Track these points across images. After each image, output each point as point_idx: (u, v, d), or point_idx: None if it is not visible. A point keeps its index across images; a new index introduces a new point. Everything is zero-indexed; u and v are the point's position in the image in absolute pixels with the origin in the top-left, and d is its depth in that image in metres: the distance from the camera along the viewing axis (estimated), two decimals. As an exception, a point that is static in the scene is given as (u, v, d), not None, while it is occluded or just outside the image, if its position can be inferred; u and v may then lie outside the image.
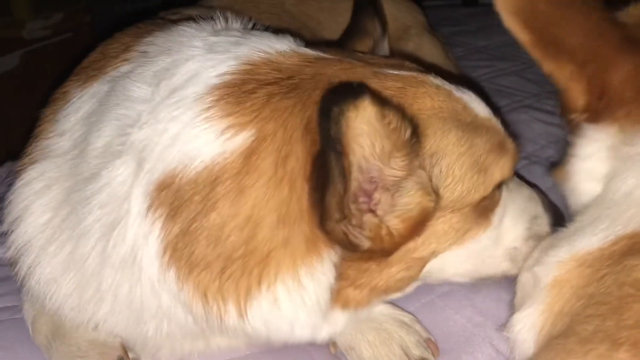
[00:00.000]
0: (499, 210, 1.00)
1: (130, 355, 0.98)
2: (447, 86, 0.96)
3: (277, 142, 0.83)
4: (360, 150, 0.76)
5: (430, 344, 1.03)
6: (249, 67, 0.89)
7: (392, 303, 1.07)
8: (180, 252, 0.85)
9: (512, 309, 0.98)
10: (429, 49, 1.81)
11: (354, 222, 0.82)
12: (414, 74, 0.95)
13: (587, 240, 0.86)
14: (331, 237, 0.83)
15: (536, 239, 1.03)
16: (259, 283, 0.84)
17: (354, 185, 0.79)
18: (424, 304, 1.13)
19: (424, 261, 0.94)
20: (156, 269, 0.86)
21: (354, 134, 0.74)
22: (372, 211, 0.83)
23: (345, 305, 0.91)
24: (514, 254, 1.03)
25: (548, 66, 0.96)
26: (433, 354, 1.02)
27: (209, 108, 0.86)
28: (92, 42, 1.13)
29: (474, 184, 0.92)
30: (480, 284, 1.08)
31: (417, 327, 1.05)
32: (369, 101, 0.74)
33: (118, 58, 1.01)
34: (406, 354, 0.99)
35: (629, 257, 0.77)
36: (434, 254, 0.94)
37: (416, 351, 1.00)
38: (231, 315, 0.86)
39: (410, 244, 0.90)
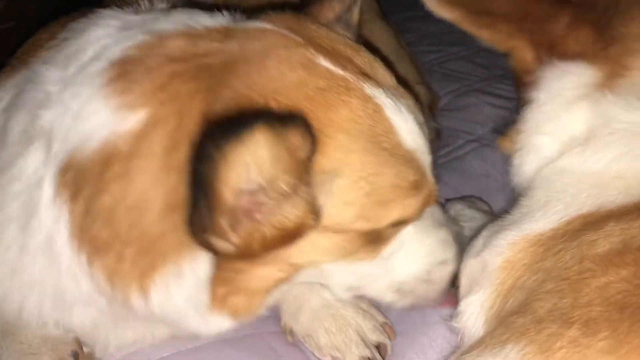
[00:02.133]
0: (392, 246, 0.95)
1: (85, 349, 0.97)
2: (382, 101, 0.88)
3: (170, 128, 0.80)
4: (238, 180, 0.74)
5: (387, 328, 1.05)
6: (159, 41, 0.85)
7: None
8: (85, 235, 0.83)
9: (457, 300, 0.99)
10: (381, 35, 1.82)
11: (218, 234, 0.79)
12: (350, 75, 0.88)
13: (539, 223, 0.86)
14: (196, 242, 0.81)
15: (435, 283, 1.00)
16: (153, 268, 0.83)
17: (223, 208, 0.76)
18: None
19: (300, 267, 0.91)
20: (69, 254, 0.85)
21: (235, 167, 0.72)
22: (248, 215, 0.80)
23: (224, 306, 0.89)
24: (403, 290, 0.99)
25: (485, 34, 0.95)
26: (389, 337, 1.04)
27: (107, 84, 0.83)
28: (36, 32, 1.10)
29: (367, 214, 0.87)
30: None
31: (373, 311, 1.06)
32: (260, 137, 0.71)
33: (42, 47, 0.99)
34: (363, 340, 1.01)
35: (586, 232, 0.77)
36: (312, 264, 0.91)
37: (372, 336, 1.01)
38: (136, 299, 0.85)
39: (286, 251, 0.87)
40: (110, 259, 0.83)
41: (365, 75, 0.90)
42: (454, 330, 1.03)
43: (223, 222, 0.77)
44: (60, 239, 0.85)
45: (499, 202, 1.31)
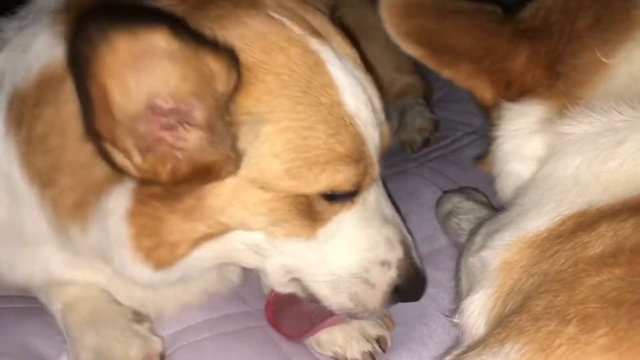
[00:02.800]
0: (329, 228, 0.90)
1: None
2: (327, 57, 0.85)
3: None
4: (125, 77, 0.68)
5: (386, 320, 1.06)
6: None
7: None
8: (31, 166, 0.84)
9: (457, 295, 1.02)
10: (373, 23, 1.83)
11: (119, 145, 0.74)
12: (296, 28, 0.85)
13: (533, 222, 0.87)
14: (99, 155, 0.77)
15: (374, 287, 0.94)
16: (86, 201, 0.83)
17: (115, 111, 0.71)
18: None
19: (228, 227, 0.87)
20: (23, 187, 0.85)
21: (120, 59, 0.66)
22: (155, 137, 0.76)
23: (148, 257, 0.86)
24: (338, 285, 0.93)
25: (447, 73, 0.99)
26: (389, 328, 1.05)
27: (53, 17, 0.86)
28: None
29: (295, 172, 0.83)
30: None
31: None
32: (160, 40, 0.67)
33: None
34: (363, 334, 1.02)
35: (579, 233, 0.79)
36: (242, 225, 0.87)
37: (372, 331, 1.03)
38: (75, 233, 0.86)
39: (213, 202, 0.84)
40: (55, 191, 0.83)
41: (316, 33, 0.88)
42: (453, 321, 1.05)
43: (121, 134, 0.73)
44: (15, 173, 0.86)
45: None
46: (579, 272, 0.72)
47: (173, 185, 0.81)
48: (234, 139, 0.80)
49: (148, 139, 0.75)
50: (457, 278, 1.05)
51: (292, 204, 0.86)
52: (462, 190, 1.34)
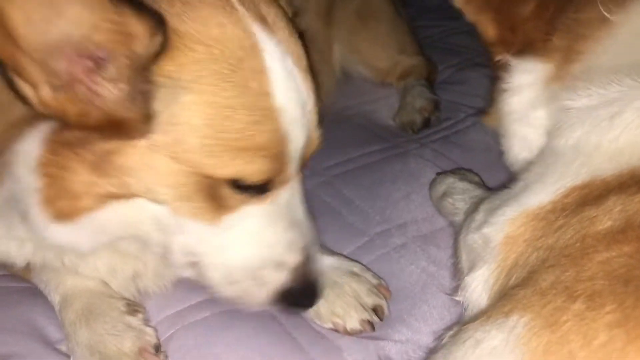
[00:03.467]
0: (234, 217, 0.88)
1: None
2: (266, 46, 0.83)
3: None
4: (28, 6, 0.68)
5: (381, 289, 1.07)
6: None
7: (342, 255, 1.12)
8: None
9: (457, 272, 1.01)
10: (378, 4, 1.83)
11: (24, 75, 0.74)
12: (241, 10, 0.83)
13: (537, 195, 0.86)
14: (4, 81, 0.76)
15: (263, 285, 0.92)
16: (10, 144, 0.85)
17: (20, 41, 0.69)
18: (379, 257, 1.18)
19: (133, 191, 0.85)
20: None
21: None
22: (66, 75, 0.75)
23: (51, 208, 0.85)
24: (230, 272, 0.92)
25: (459, 2, 0.98)
26: (385, 297, 1.06)
27: None
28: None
29: (208, 150, 0.81)
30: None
31: (367, 275, 1.08)
32: None
33: None
34: (361, 304, 1.03)
35: (586, 207, 0.78)
36: (147, 193, 0.85)
37: (368, 300, 1.04)
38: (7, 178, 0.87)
39: (121, 160, 0.82)
40: None
41: (264, 22, 0.86)
42: (452, 298, 1.05)
43: (26, 62, 0.72)
44: None
45: (500, 175, 1.32)
46: (587, 248, 0.71)
47: (81, 130, 0.80)
48: (150, 98, 0.78)
49: (63, 76, 0.74)
50: (455, 256, 1.05)
51: (200, 183, 0.84)
52: (455, 172, 1.34)
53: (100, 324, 0.97)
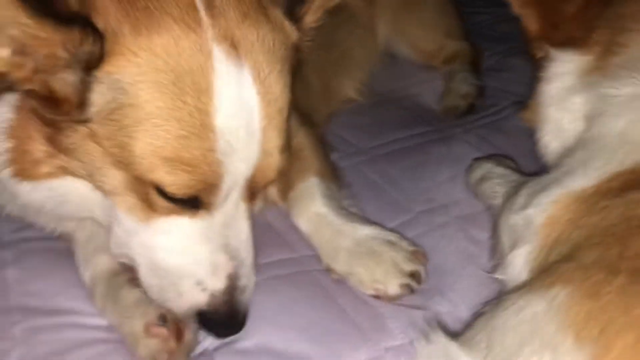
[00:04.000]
0: (163, 223, 0.91)
1: (172, 314, 0.98)
2: (223, 71, 0.83)
3: None
4: None
5: (418, 255, 1.12)
6: None
7: (380, 225, 1.18)
8: None
9: (496, 252, 1.07)
10: None
11: None
12: (208, 29, 0.84)
13: (580, 179, 0.90)
14: None
15: (182, 295, 0.94)
16: None
17: None
18: (422, 233, 1.23)
19: (80, 172, 0.91)
20: None
21: None
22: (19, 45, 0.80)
23: (13, 165, 0.95)
24: (153, 272, 0.95)
25: None
26: (422, 263, 1.11)
27: None
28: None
29: (134, 151, 0.84)
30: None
31: (403, 243, 1.13)
32: None
33: None
34: (399, 270, 1.08)
35: (632, 191, 0.81)
36: (91, 179, 0.91)
37: (406, 266, 1.09)
38: None
39: (65, 140, 0.88)
40: None
41: (231, 44, 0.86)
42: (490, 278, 1.10)
43: None
44: None
45: (539, 163, 1.35)
46: (633, 229, 0.75)
47: (34, 100, 0.87)
48: (87, 89, 0.84)
49: (17, 43, 0.80)
50: (495, 237, 1.10)
51: (130, 180, 0.88)
52: (491, 157, 1.38)
53: (117, 307, 1.03)
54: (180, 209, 0.90)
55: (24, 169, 0.95)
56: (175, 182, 0.85)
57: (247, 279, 0.97)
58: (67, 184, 0.96)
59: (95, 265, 1.11)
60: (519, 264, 0.93)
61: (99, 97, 0.84)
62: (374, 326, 1.02)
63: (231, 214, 0.94)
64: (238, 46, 0.87)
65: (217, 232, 0.93)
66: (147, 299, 1.00)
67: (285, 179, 1.22)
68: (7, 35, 0.79)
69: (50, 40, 0.79)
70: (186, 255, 0.93)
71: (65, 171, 0.94)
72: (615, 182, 0.85)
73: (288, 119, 0.94)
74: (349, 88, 1.72)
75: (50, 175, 0.95)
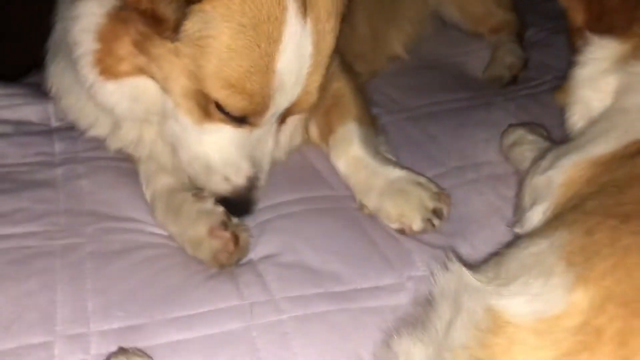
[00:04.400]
0: (212, 127, 1.10)
1: (234, 220, 1.16)
2: (290, 21, 1.00)
3: None
4: None
5: (442, 196, 1.23)
6: None
7: (411, 169, 1.28)
8: None
9: (518, 209, 1.15)
10: None
11: None
12: None
13: (601, 146, 0.99)
14: None
15: (208, 179, 1.15)
16: None
17: None
18: (453, 185, 1.32)
19: (156, 75, 1.08)
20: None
21: None
22: None
23: (100, 63, 1.10)
24: (193, 158, 1.15)
25: None
26: (446, 203, 1.22)
27: None
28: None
29: (208, 73, 1.02)
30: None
31: (430, 185, 1.24)
32: None
33: None
34: (423, 206, 1.20)
35: None
36: (164, 82, 1.08)
37: (430, 203, 1.21)
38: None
39: (152, 48, 1.05)
40: None
41: (302, 6, 1.02)
42: (513, 232, 1.19)
43: None
44: None
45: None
46: (633, 180, 0.84)
47: (133, 12, 1.03)
48: (183, 17, 1.00)
49: None
50: (519, 196, 1.18)
51: (197, 92, 1.06)
52: (525, 125, 1.46)
53: (180, 218, 1.18)
54: (229, 120, 1.09)
55: (108, 66, 1.10)
56: (234, 104, 1.05)
57: (262, 181, 1.18)
58: (140, 84, 1.12)
59: (155, 184, 1.25)
60: (535, 219, 1.02)
61: (191, 25, 1.01)
62: (400, 258, 1.14)
63: (264, 132, 1.14)
64: (304, 1, 1.03)
65: (249, 144, 1.14)
66: (209, 209, 1.17)
67: (326, 122, 1.35)
68: None
69: None
70: (221, 154, 1.13)
71: (141, 71, 1.10)
72: (632, 149, 0.93)
73: (330, 63, 1.13)
74: (397, 42, 1.82)
75: (129, 73, 1.11)
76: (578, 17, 1.09)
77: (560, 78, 1.74)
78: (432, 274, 0.94)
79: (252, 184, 1.16)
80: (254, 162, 1.15)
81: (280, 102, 1.08)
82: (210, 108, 1.08)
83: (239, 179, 1.15)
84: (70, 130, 1.44)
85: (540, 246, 0.82)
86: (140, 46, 1.07)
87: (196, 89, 1.06)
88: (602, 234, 0.76)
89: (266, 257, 1.13)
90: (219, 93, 1.04)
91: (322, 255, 1.13)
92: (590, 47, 1.09)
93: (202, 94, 1.06)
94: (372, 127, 1.39)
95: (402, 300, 1.06)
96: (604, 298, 0.68)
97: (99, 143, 1.37)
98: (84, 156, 1.38)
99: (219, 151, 1.13)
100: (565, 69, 1.74)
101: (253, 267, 1.11)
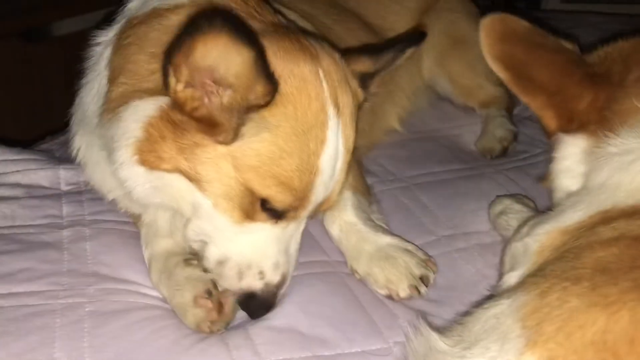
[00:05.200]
0: (253, 226, 1.13)
1: (220, 288, 1.19)
2: (330, 123, 1.11)
3: None
4: (208, 49, 0.98)
5: (429, 263, 1.29)
6: None
7: (400, 237, 1.34)
8: (111, 64, 1.26)
9: (500, 275, 1.20)
10: (466, 27, 1.99)
11: (177, 73, 1.04)
12: (326, 90, 1.12)
13: (569, 216, 1.06)
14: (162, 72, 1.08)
15: (240, 277, 1.16)
16: (126, 98, 1.17)
17: (189, 57, 1.01)
18: (442, 254, 1.38)
19: (198, 178, 1.10)
20: (103, 81, 1.27)
21: (212, 42, 0.97)
22: (199, 86, 1.05)
23: (139, 155, 1.12)
24: (226, 258, 1.16)
25: (525, 98, 1.18)
26: (432, 270, 1.28)
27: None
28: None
29: (261, 172, 1.08)
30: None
31: (418, 252, 1.31)
32: (242, 51, 0.97)
33: None
34: (410, 274, 1.25)
35: (601, 225, 0.97)
36: (205, 184, 1.10)
37: (417, 270, 1.26)
38: (106, 121, 1.20)
39: (200, 153, 1.08)
40: (113, 86, 1.19)
41: (336, 106, 1.13)
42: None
43: (183, 69, 1.03)
44: (102, 68, 1.27)
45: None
46: (589, 249, 0.91)
47: (187, 117, 1.08)
48: (242, 123, 1.07)
49: (196, 82, 1.05)
50: (501, 262, 1.25)
51: (243, 192, 1.10)
52: (513, 195, 1.53)
53: (170, 282, 1.22)
54: (269, 217, 1.14)
55: (147, 160, 1.12)
56: (282, 200, 1.11)
57: (290, 277, 1.21)
58: (169, 179, 1.13)
59: (153, 246, 1.31)
60: (511, 284, 1.07)
61: (248, 130, 1.08)
62: (387, 323, 1.18)
63: (297, 227, 1.19)
64: (338, 107, 1.15)
65: (286, 239, 1.18)
66: (196, 276, 1.20)
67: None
68: (223, 75, 1.03)
69: (253, 89, 1.03)
70: (260, 251, 1.16)
71: (180, 172, 1.12)
72: (593, 220, 1.01)
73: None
74: (393, 115, 1.91)
75: (166, 170, 1.12)
76: (552, 125, 1.18)
77: (547, 151, 1.82)
78: (406, 338, 0.99)
79: (284, 280, 1.18)
80: (288, 258, 1.19)
81: (319, 197, 1.15)
82: (253, 206, 1.12)
83: (276, 275, 1.17)
84: (78, 194, 1.52)
85: (501, 307, 0.87)
86: (187, 152, 1.10)
87: (242, 189, 1.10)
88: (553, 295, 0.81)
89: (257, 321, 1.18)
90: (268, 190, 1.09)
91: (312, 319, 1.18)
92: (563, 145, 1.18)
93: (247, 194, 1.10)
94: (366, 196, 1.45)
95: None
96: None
97: (104, 207, 1.44)
98: (90, 219, 1.45)
99: (258, 248, 1.16)
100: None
101: (244, 330, 1.15)
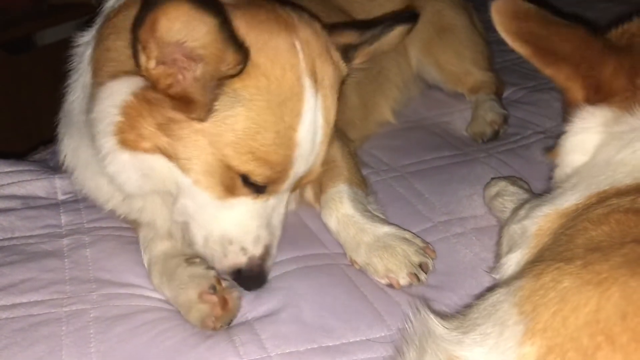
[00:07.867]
0: (234, 201, 1.15)
1: (224, 283, 1.21)
2: (307, 95, 1.10)
3: None
4: (172, 20, 0.98)
5: (427, 250, 1.30)
6: None
7: (398, 225, 1.35)
8: (94, 60, 1.25)
9: (497, 256, 1.22)
10: (455, 17, 2.01)
11: (146, 50, 1.04)
12: (302, 61, 1.10)
13: (568, 199, 1.06)
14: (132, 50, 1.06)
15: (227, 255, 1.18)
16: (107, 75, 1.17)
17: (154, 32, 1.00)
18: (440, 239, 1.40)
19: (176, 155, 1.11)
20: (88, 80, 1.27)
21: (175, 13, 0.97)
22: (170, 62, 1.04)
23: (119, 135, 1.12)
24: (209, 237, 1.18)
25: (548, 71, 1.15)
26: (431, 257, 1.29)
27: None
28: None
29: (237, 148, 1.08)
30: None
31: (416, 240, 1.32)
32: (213, 20, 0.97)
33: None
34: (409, 262, 1.26)
35: (596, 205, 0.98)
36: (184, 162, 1.11)
37: (416, 258, 1.27)
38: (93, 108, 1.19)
39: (177, 129, 1.08)
40: (97, 74, 1.21)
41: (314, 79, 1.12)
42: (494, 279, 1.25)
43: (151, 44, 1.02)
44: (85, 66, 1.26)
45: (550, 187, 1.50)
46: (582, 230, 0.91)
47: (162, 95, 1.08)
48: (215, 97, 1.06)
49: (167, 58, 1.04)
50: (498, 244, 1.26)
51: (222, 168, 1.11)
52: (508, 178, 1.54)
53: (173, 282, 1.23)
54: (250, 192, 1.15)
55: (128, 139, 1.12)
56: (261, 173, 1.11)
57: (274, 248, 1.23)
58: (152, 161, 1.14)
59: (151, 250, 1.32)
60: (510, 266, 1.09)
61: (221, 104, 1.08)
62: (389, 311, 1.20)
63: (279, 201, 1.20)
64: (316, 79, 1.14)
65: (267, 212, 1.19)
66: (200, 274, 1.21)
67: (319, 184, 1.43)
68: (191, 47, 1.02)
69: (223, 58, 1.02)
70: (241, 227, 1.18)
71: (160, 150, 1.13)
72: (591, 200, 1.01)
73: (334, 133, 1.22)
74: (385, 108, 1.92)
75: (147, 150, 1.13)
76: (578, 95, 1.15)
77: (539, 133, 1.85)
78: (405, 319, 1.00)
79: (267, 252, 1.20)
80: (270, 231, 1.21)
81: (299, 171, 1.16)
82: (234, 182, 1.13)
83: (257, 249, 1.19)
84: (75, 202, 1.53)
85: (499, 296, 0.87)
86: (165, 128, 1.10)
87: (221, 165, 1.11)
88: (547, 277, 0.81)
89: (262, 316, 1.19)
90: (247, 165, 1.10)
91: (315, 311, 1.19)
92: (582, 118, 1.15)
93: (226, 169, 1.11)
94: (362, 188, 1.46)
95: (392, 352, 1.09)
96: (547, 351, 0.72)
97: (102, 214, 1.45)
98: (88, 227, 1.46)
99: (239, 223, 1.17)
100: (544, 125, 1.86)
101: (250, 326, 1.16)
